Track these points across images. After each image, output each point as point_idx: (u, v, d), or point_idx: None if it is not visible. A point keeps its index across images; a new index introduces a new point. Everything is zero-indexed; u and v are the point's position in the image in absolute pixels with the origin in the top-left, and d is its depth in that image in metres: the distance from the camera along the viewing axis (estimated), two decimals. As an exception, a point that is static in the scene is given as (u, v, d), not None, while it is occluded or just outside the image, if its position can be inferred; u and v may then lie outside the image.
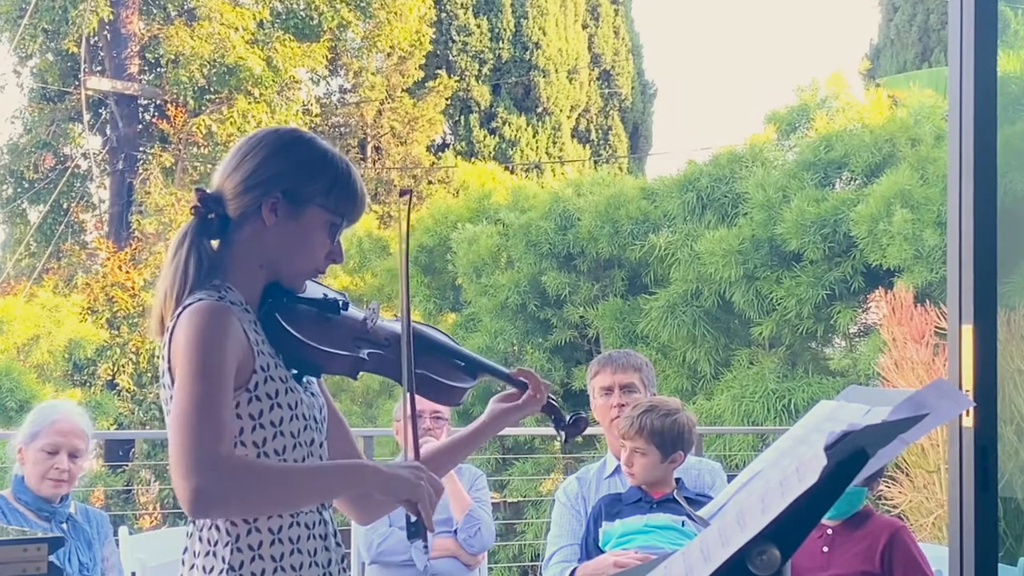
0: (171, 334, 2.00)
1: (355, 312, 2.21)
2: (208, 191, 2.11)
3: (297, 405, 2.07)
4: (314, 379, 2.19)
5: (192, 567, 2.04)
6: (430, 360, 2.23)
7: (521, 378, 2.36)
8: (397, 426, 4.22)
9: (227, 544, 2.00)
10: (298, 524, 2.05)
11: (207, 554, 2.02)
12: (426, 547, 2.12)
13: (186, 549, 2.07)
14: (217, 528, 2.02)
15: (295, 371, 2.10)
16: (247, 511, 1.98)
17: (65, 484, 3.60)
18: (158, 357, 2.11)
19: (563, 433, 2.40)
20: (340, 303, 2.18)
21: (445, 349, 2.29)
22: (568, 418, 2.39)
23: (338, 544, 2.14)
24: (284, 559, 2.03)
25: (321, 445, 2.14)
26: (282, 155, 2.10)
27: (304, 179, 2.09)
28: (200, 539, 2.04)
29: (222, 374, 1.93)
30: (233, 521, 2.01)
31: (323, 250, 2.12)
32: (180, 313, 2.00)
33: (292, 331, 2.06)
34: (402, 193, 2.22)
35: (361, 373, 2.17)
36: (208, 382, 1.91)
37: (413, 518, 2.03)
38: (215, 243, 2.11)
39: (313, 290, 2.19)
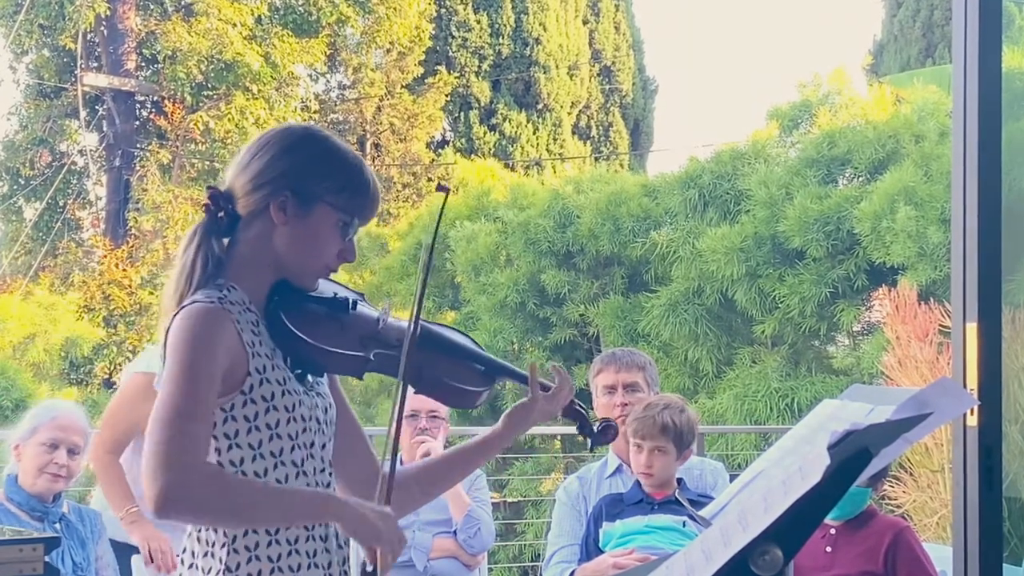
0: (167, 334, 1.98)
1: (366, 311, 2.15)
2: (219, 189, 2.09)
3: (295, 407, 2.03)
4: (321, 379, 2.15)
5: (191, 567, 2.03)
6: (443, 361, 2.16)
7: (544, 381, 2.27)
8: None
9: (223, 545, 1.99)
10: (295, 525, 2.03)
11: (205, 555, 2.01)
12: None
13: (185, 549, 2.06)
14: (214, 530, 2.01)
15: (299, 371, 2.07)
16: (208, 520, 1.97)
17: (62, 480, 3.58)
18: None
19: (590, 440, 2.30)
20: (349, 302, 2.13)
21: (461, 351, 2.21)
22: (597, 425, 2.29)
23: (339, 546, 2.11)
24: (281, 560, 2.01)
25: (324, 447, 2.10)
26: (291, 153, 2.07)
27: (313, 177, 2.05)
28: (199, 540, 2.03)
29: (208, 380, 1.91)
30: None
31: (334, 249, 2.08)
32: (177, 314, 1.98)
33: (295, 330, 2.02)
34: (440, 188, 2.19)
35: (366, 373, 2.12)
36: (191, 387, 1.89)
37: (369, 567, 1.96)
38: (225, 241, 2.08)
39: (325, 288, 2.14)
